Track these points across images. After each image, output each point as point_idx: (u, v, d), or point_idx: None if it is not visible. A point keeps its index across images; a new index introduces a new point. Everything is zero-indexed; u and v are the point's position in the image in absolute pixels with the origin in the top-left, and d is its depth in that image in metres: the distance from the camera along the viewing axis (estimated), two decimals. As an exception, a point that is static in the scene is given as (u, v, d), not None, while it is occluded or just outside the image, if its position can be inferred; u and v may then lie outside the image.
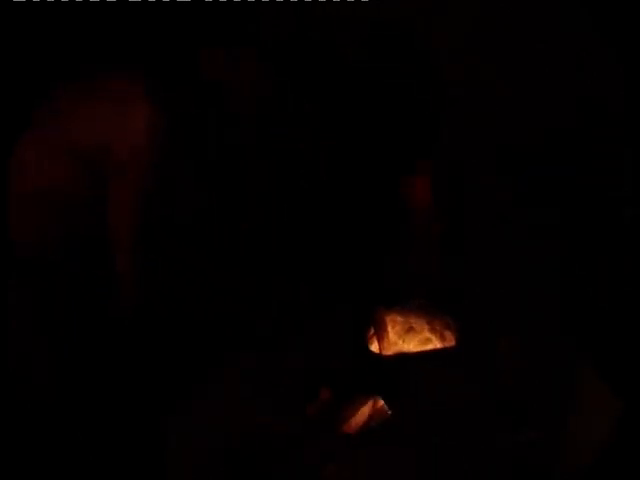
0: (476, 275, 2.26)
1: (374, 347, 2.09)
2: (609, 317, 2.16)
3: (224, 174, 2.17)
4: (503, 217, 2.30)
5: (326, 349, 2.08)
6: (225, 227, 2.19)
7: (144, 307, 1.98)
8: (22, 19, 2.12)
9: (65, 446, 1.96)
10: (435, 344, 2.07)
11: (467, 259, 2.29)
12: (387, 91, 2.33)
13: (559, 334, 2.07)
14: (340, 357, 2.06)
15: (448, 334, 2.09)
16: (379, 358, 2.07)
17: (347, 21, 2.28)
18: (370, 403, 1.93)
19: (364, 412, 1.92)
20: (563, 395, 1.93)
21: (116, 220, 1.90)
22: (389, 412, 1.92)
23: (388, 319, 2.10)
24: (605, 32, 2.20)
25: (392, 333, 2.09)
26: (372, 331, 2.11)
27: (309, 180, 2.32)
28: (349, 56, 2.32)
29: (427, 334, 2.08)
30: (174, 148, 1.94)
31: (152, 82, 1.89)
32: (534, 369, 1.97)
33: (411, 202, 2.33)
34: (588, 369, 1.98)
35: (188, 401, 1.94)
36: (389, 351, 2.07)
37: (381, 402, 1.93)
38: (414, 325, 2.09)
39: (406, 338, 2.08)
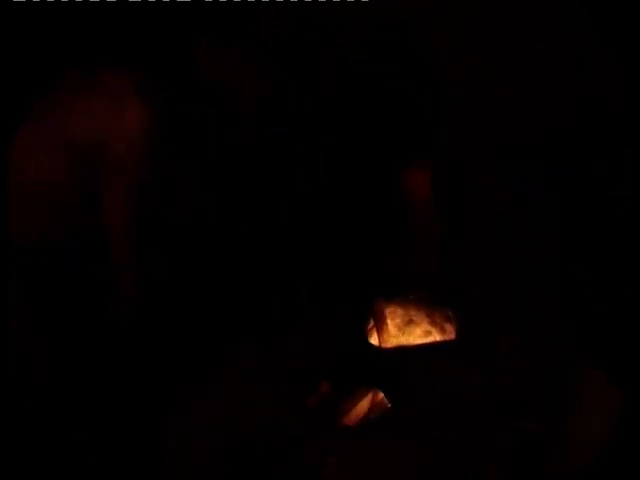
0: (476, 273, 2.26)
1: (374, 339, 2.09)
2: (609, 317, 2.16)
3: (224, 174, 2.17)
4: (503, 217, 2.30)
5: (326, 342, 2.07)
6: (225, 227, 2.19)
7: (144, 307, 1.98)
8: (19, 16, 2.12)
9: (65, 446, 1.97)
10: (435, 337, 2.07)
11: (467, 258, 2.29)
12: (387, 91, 2.33)
13: (559, 332, 2.07)
14: (340, 350, 2.06)
15: (448, 327, 2.08)
16: (379, 351, 2.07)
17: (347, 21, 2.28)
18: (370, 396, 1.93)
19: (364, 405, 1.92)
20: (563, 390, 1.93)
21: (111, 217, 1.90)
22: (389, 405, 1.92)
23: (388, 311, 2.10)
24: (605, 32, 2.20)
25: (392, 325, 2.08)
26: (372, 323, 2.11)
27: (309, 180, 2.32)
28: (349, 56, 2.32)
29: (427, 327, 2.08)
30: (170, 145, 1.94)
31: (146, 78, 1.89)
32: (534, 366, 1.97)
33: (411, 197, 2.33)
34: (588, 366, 1.98)
35: (188, 401, 1.94)
36: (389, 344, 2.07)
37: (381, 395, 1.93)
38: (414, 317, 2.09)
39: (406, 330, 2.08)
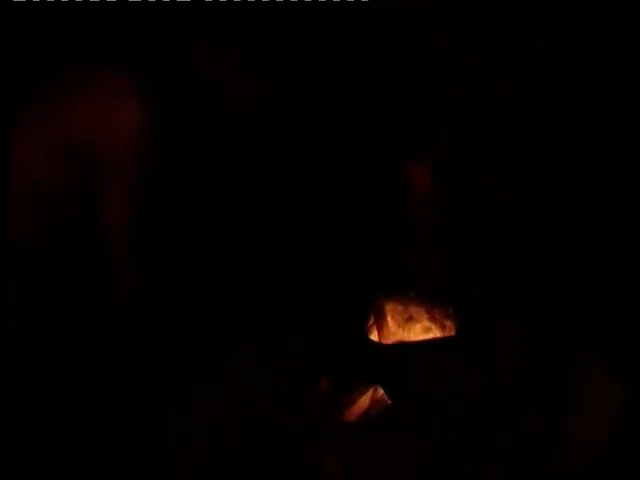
0: (476, 270, 2.26)
1: (374, 336, 2.09)
2: (610, 315, 2.16)
3: (224, 174, 2.17)
4: (503, 217, 2.30)
5: (326, 339, 2.08)
6: (225, 227, 2.19)
7: (144, 307, 1.98)
8: (17, 14, 2.12)
9: (65, 446, 1.96)
10: (435, 333, 2.07)
11: (467, 258, 2.29)
12: (387, 91, 2.33)
13: (559, 330, 2.07)
14: (340, 347, 2.06)
15: (448, 323, 2.09)
16: (379, 347, 2.07)
17: (347, 21, 2.28)
18: (370, 392, 1.93)
19: (364, 401, 1.92)
20: (563, 388, 1.93)
21: (110, 217, 1.90)
22: (389, 401, 1.93)
23: (388, 308, 2.10)
24: (605, 32, 2.20)
25: (392, 322, 2.09)
26: (372, 320, 2.11)
27: (309, 180, 2.32)
28: (349, 56, 2.32)
29: (427, 323, 2.08)
30: (170, 145, 1.94)
31: (145, 78, 1.89)
32: (534, 363, 1.97)
33: (411, 194, 2.33)
34: (589, 364, 1.98)
35: (188, 400, 1.94)
36: (389, 340, 2.07)
37: (381, 391, 1.93)
38: (414, 314, 2.09)
39: (406, 327, 2.08)
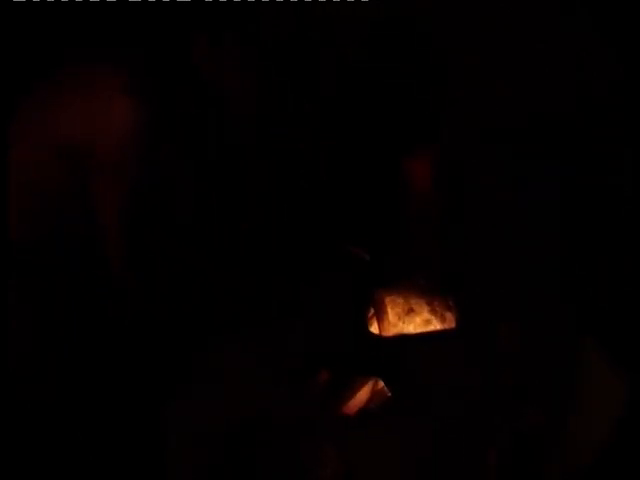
0: (476, 263, 2.26)
1: (374, 328, 2.09)
2: (609, 316, 2.16)
3: (224, 174, 2.17)
4: (503, 217, 2.30)
5: (326, 330, 2.07)
6: (225, 227, 2.19)
7: (143, 306, 1.98)
8: (12, 13, 2.12)
9: (65, 446, 1.96)
10: (435, 325, 2.07)
11: (467, 258, 2.29)
12: (387, 91, 2.33)
13: (560, 322, 2.06)
14: (340, 338, 2.06)
15: (448, 315, 2.08)
16: (379, 339, 2.06)
17: (347, 21, 2.28)
18: (370, 384, 1.93)
19: (364, 394, 1.92)
20: (564, 380, 1.93)
21: (105, 217, 1.90)
22: (389, 394, 1.93)
23: (388, 300, 2.10)
24: (605, 32, 2.20)
25: (392, 314, 2.08)
26: (372, 312, 2.11)
27: (309, 180, 2.32)
28: (349, 56, 2.32)
29: (427, 315, 2.08)
30: (169, 145, 1.94)
31: (137, 78, 1.89)
32: (534, 356, 1.97)
33: (411, 187, 2.32)
34: (590, 357, 1.98)
35: (188, 397, 1.94)
36: (389, 332, 2.07)
37: (381, 383, 1.94)
38: (414, 306, 2.09)
39: (406, 319, 2.08)
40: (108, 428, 1.98)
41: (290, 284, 2.23)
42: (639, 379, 1.98)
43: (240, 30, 2.08)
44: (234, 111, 2.11)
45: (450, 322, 2.08)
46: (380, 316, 2.08)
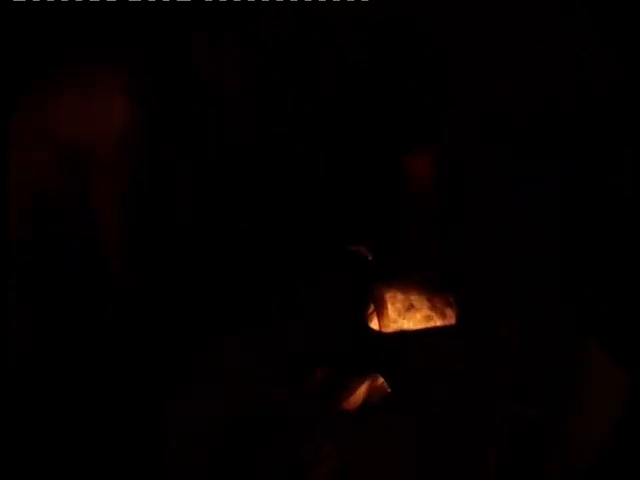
0: (476, 260, 2.26)
1: (374, 324, 2.08)
2: (610, 303, 2.15)
3: (224, 174, 2.17)
4: (503, 217, 2.30)
5: (326, 327, 2.07)
6: (225, 227, 2.19)
7: (143, 306, 1.98)
8: (11, 12, 2.11)
9: (65, 446, 1.96)
10: (436, 322, 2.07)
11: (467, 258, 2.29)
12: (387, 91, 2.33)
13: (559, 317, 2.06)
14: (340, 334, 2.05)
15: (449, 312, 2.08)
16: (379, 335, 2.06)
17: (347, 21, 2.28)
18: (369, 380, 1.93)
19: (363, 389, 1.92)
20: (564, 375, 1.92)
21: (103, 217, 1.90)
22: (388, 389, 1.92)
23: (388, 296, 2.09)
24: (605, 32, 2.20)
25: (392, 310, 2.08)
26: (372, 308, 2.10)
27: (309, 180, 2.32)
28: (349, 56, 2.32)
29: (428, 312, 2.07)
30: (169, 145, 1.94)
31: (136, 78, 1.89)
32: (534, 350, 1.97)
33: (412, 184, 2.32)
34: (589, 352, 1.97)
35: (188, 384, 1.93)
36: (389, 328, 2.06)
37: (381, 379, 1.93)
38: (415, 302, 2.09)
39: (406, 315, 2.07)
40: (108, 428, 1.98)
41: (290, 284, 2.23)
42: (639, 379, 1.98)
43: (240, 30, 2.08)
44: (234, 111, 2.11)
45: (450, 318, 2.07)
46: (380, 312, 2.07)
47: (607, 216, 2.24)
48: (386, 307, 2.07)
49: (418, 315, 2.07)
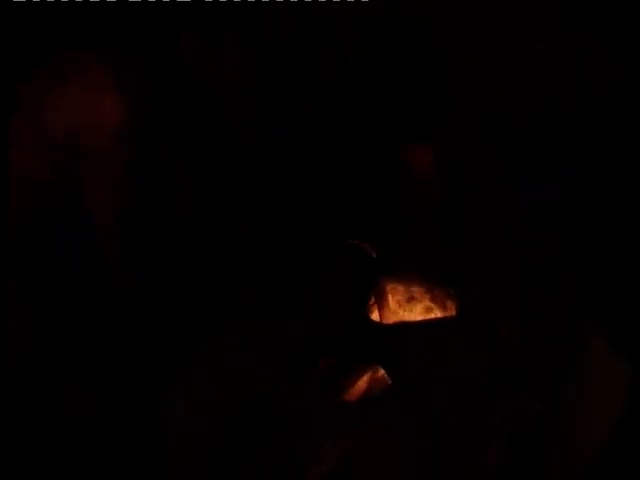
0: (476, 268, 2.25)
1: (374, 316, 2.08)
2: (609, 314, 2.15)
3: (224, 174, 2.17)
4: (503, 217, 2.30)
5: (326, 318, 2.06)
6: (225, 227, 2.19)
7: (143, 306, 1.98)
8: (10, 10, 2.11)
9: (65, 446, 1.96)
10: (436, 313, 2.06)
11: (467, 258, 2.28)
12: (387, 91, 2.33)
13: (561, 310, 2.06)
14: (340, 326, 2.05)
15: (449, 304, 2.08)
16: (379, 327, 2.05)
17: (347, 21, 2.28)
18: (370, 372, 1.92)
19: (364, 381, 1.92)
20: (565, 369, 1.92)
21: (99, 216, 1.90)
22: (389, 381, 1.92)
23: (389, 288, 2.09)
24: (605, 32, 2.20)
25: (393, 302, 2.07)
26: (373, 300, 2.10)
27: (309, 180, 2.32)
28: (349, 56, 2.32)
29: (428, 303, 2.07)
30: (165, 145, 1.94)
31: (136, 78, 1.89)
32: (536, 343, 1.96)
33: (412, 178, 2.32)
34: (589, 360, 1.97)
35: (188, 378, 1.93)
36: (390, 320, 2.06)
37: (381, 371, 1.93)
38: (415, 294, 2.08)
39: (407, 307, 2.07)
40: (108, 428, 1.98)
41: (290, 283, 2.23)
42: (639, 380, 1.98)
43: (240, 30, 2.08)
44: (234, 111, 2.11)
45: (451, 310, 2.06)
46: (381, 304, 2.07)
47: (607, 216, 2.24)
48: (387, 299, 2.07)
49: (419, 306, 2.07)
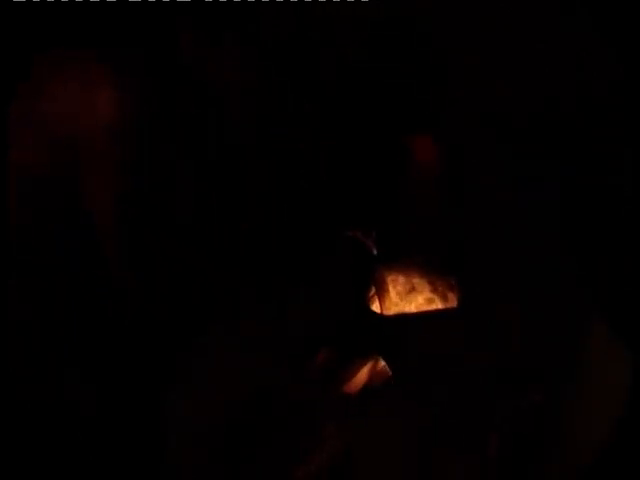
0: (475, 268, 2.25)
1: (375, 307, 2.07)
2: (609, 314, 2.16)
3: (224, 174, 2.17)
4: (503, 217, 2.30)
5: (326, 309, 2.06)
6: (225, 227, 2.19)
7: (143, 306, 1.98)
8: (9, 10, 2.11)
9: (65, 446, 1.96)
10: (437, 304, 2.05)
11: (467, 258, 2.28)
12: (387, 91, 2.33)
13: (562, 302, 2.05)
14: (340, 317, 2.04)
15: (450, 295, 2.07)
16: (380, 318, 2.05)
17: (347, 21, 2.28)
18: (371, 364, 1.92)
19: (364, 373, 1.91)
20: (566, 360, 1.92)
21: (97, 217, 1.91)
22: (390, 373, 1.91)
23: (389, 279, 2.07)
24: (605, 32, 2.20)
25: (393, 293, 2.06)
26: (373, 291, 2.09)
27: (309, 180, 2.32)
28: (349, 56, 2.32)
29: (429, 294, 2.06)
30: (165, 145, 1.94)
31: (136, 78, 1.89)
32: (537, 335, 1.96)
33: (413, 167, 2.31)
34: (589, 359, 1.97)
35: (188, 370, 1.93)
36: (390, 311, 2.04)
37: (382, 363, 1.92)
38: (416, 285, 2.07)
39: (408, 298, 2.06)
40: (108, 428, 1.98)
41: (290, 284, 2.23)
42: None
43: (240, 30, 2.08)
44: (234, 111, 2.11)
45: (452, 301, 2.05)
46: (381, 295, 2.05)
47: (607, 216, 2.24)
48: (387, 290, 2.06)
49: (420, 298, 2.05)
